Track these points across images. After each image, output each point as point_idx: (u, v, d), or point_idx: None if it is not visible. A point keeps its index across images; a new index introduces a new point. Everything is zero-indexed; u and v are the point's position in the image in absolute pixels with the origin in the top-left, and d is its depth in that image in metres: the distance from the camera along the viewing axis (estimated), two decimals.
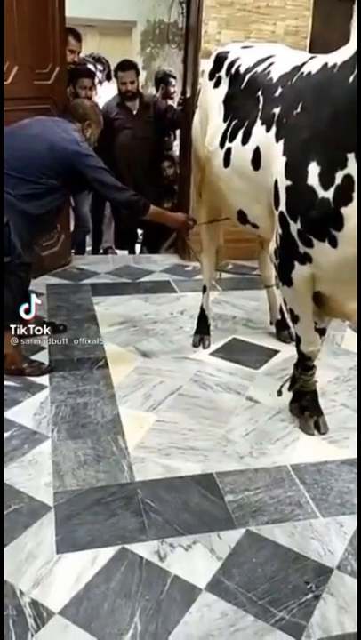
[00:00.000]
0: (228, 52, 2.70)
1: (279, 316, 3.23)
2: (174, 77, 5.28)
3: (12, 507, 1.97)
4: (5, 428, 2.37)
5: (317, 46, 3.85)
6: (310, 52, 3.71)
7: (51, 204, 2.79)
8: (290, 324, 2.42)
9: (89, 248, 5.02)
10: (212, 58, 2.78)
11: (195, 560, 1.81)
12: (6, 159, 2.65)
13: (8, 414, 2.46)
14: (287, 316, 2.42)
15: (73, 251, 4.50)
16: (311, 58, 2.16)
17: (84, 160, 2.74)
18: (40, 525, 1.91)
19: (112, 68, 4.89)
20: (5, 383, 2.69)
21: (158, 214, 3.02)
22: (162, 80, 5.34)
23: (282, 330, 3.23)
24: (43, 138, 2.73)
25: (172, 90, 5.24)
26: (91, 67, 4.62)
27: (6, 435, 2.34)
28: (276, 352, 3.13)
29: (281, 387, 2.56)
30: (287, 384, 2.57)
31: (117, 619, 1.61)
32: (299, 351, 2.45)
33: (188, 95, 4.22)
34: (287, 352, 3.02)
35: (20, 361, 2.80)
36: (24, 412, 2.49)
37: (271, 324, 3.34)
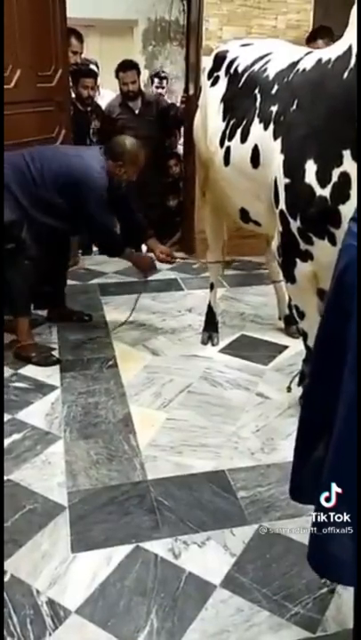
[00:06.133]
0: (227, 52, 2.69)
1: (287, 311, 3.23)
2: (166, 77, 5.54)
3: (26, 507, 1.99)
4: (18, 430, 2.39)
5: None
6: None
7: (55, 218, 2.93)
8: (297, 319, 2.42)
9: (96, 249, 5.02)
10: (212, 57, 2.77)
11: (209, 557, 1.82)
12: (30, 164, 2.82)
13: (20, 415, 2.49)
14: (293, 312, 2.42)
15: (80, 251, 4.51)
16: (307, 53, 2.14)
17: (88, 187, 2.84)
18: (55, 525, 1.92)
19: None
20: (17, 385, 2.72)
21: (129, 256, 3.20)
22: (156, 75, 5.57)
23: (290, 325, 3.22)
24: (67, 156, 2.91)
25: (163, 82, 5.43)
26: (93, 67, 4.62)
27: (19, 436, 2.36)
28: (285, 347, 3.13)
29: (290, 382, 2.56)
30: (296, 379, 2.57)
31: (133, 616, 1.62)
32: (306, 347, 2.44)
33: (190, 93, 4.22)
34: (296, 347, 3.02)
35: (31, 348, 2.92)
36: (36, 413, 2.51)
37: (280, 319, 3.35)
